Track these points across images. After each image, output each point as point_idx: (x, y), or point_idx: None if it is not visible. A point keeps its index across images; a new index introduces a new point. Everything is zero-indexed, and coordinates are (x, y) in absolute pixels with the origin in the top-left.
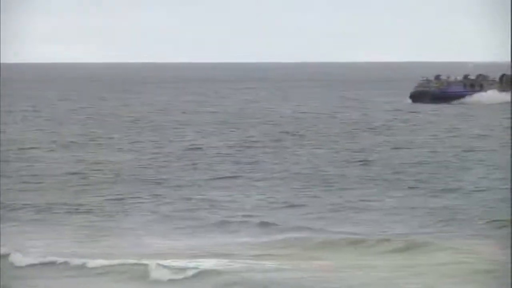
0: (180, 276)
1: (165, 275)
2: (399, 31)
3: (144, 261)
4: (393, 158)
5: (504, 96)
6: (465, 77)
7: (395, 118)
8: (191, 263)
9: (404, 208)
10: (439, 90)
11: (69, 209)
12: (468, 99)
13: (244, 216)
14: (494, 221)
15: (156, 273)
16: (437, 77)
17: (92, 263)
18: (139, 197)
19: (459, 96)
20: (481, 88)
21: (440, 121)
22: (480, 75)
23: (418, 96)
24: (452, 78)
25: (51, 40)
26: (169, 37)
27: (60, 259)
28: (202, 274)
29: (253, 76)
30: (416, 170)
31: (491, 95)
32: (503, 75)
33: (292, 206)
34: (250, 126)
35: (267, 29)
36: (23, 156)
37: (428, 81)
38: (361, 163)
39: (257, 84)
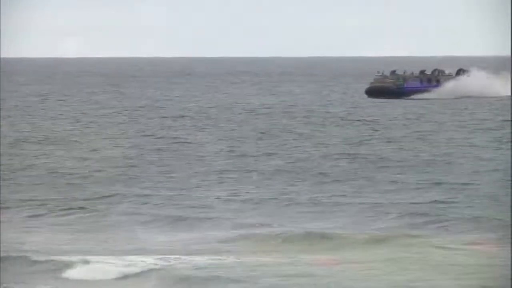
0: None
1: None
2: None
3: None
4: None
5: (460, 91)
6: (422, 72)
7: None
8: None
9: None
10: (395, 85)
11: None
12: (424, 94)
13: None
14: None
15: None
16: (393, 73)
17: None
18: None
19: (415, 91)
20: (438, 83)
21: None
22: (436, 70)
23: (373, 92)
24: (408, 73)
25: (53, 34)
26: (168, 31)
27: None
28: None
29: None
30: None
31: (448, 90)
32: (459, 70)
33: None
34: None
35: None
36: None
37: (384, 76)
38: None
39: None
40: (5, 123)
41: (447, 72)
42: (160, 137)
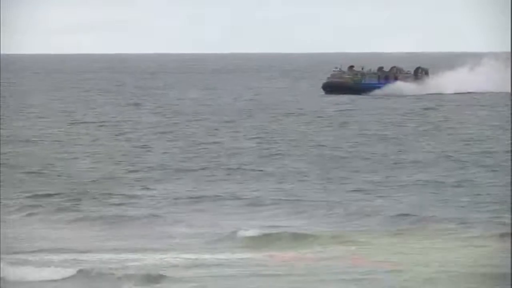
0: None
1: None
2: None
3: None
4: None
5: (418, 88)
6: (379, 69)
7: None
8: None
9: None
10: (352, 81)
11: None
12: (381, 91)
13: None
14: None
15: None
16: (351, 68)
17: None
18: None
19: (372, 87)
20: (395, 80)
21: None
22: (394, 67)
23: (330, 87)
24: (366, 70)
25: (66, 31)
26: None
27: None
28: None
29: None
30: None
31: (405, 87)
32: (418, 68)
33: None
34: None
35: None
36: None
37: (341, 72)
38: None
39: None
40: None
41: (405, 69)
42: None
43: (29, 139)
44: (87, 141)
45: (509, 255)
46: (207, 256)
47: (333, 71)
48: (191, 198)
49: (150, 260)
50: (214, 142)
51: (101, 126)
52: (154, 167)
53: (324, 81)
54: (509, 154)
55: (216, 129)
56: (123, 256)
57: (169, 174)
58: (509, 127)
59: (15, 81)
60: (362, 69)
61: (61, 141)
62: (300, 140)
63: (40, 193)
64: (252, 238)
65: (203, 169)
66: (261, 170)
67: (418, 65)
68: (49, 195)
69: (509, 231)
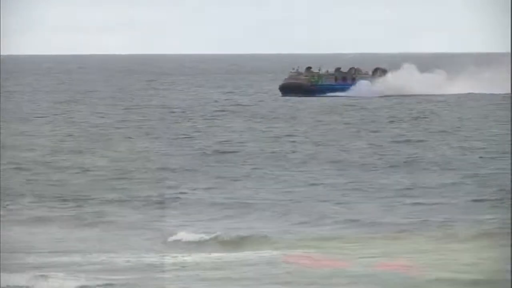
0: None
1: None
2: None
3: None
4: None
5: (376, 89)
6: (337, 70)
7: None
8: None
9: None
10: (309, 82)
11: None
12: (339, 92)
13: None
14: None
15: None
16: (308, 69)
17: None
18: None
19: (330, 89)
20: (353, 81)
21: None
22: (352, 68)
23: (287, 88)
24: (323, 71)
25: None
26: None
27: None
28: None
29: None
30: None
31: (363, 89)
32: (376, 69)
33: None
34: None
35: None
36: None
37: (298, 73)
38: None
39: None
40: None
41: (363, 70)
42: None
43: None
44: None
45: (510, 255)
46: None
47: (290, 72)
48: None
49: None
50: None
51: None
52: None
53: (281, 82)
54: None
55: None
56: None
57: None
58: None
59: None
60: (319, 70)
61: None
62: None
63: None
64: None
65: None
66: None
67: (376, 66)
68: None
69: None
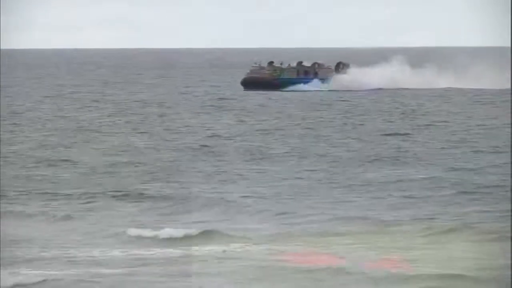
0: None
1: None
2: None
3: None
4: None
5: (335, 84)
6: (299, 64)
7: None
8: None
9: None
10: (271, 77)
11: None
12: (301, 86)
13: None
14: None
15: None
16: (270, 64)
17: None
18: None
19: (292, 83)
20: (316, 75)
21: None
22: (315, 63)
23: (249, 83)
24: (285, 65)
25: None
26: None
27: None
28: None
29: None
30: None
31: (324, 83)
32: (339, 63)
33: None
34: None
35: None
36: None
37: (260, 67)
38: None
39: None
40: None
41: (326, 65)
42: None
43: None
44: None
45: (509, 255)
46: None
47: (252, 66)
48: None
49: None
50: None
51: None
52: None
53: (243, 76)
54: None
55: None
56: None
57: None
58: None
59: None
60: (281, 64)
61: None
62: None
63: None
64: None
65: None
66: None
67: (339, 60)
68: None
69: None
